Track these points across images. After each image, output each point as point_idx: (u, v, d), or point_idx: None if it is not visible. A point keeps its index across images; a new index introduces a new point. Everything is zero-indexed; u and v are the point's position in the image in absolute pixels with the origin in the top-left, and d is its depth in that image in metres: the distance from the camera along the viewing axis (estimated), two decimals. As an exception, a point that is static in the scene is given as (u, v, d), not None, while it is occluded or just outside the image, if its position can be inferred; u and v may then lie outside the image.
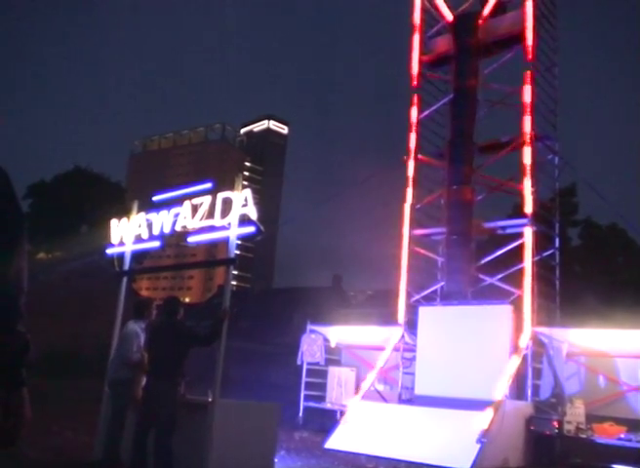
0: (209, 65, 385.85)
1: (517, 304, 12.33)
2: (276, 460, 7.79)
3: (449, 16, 15.46)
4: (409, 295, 14.39)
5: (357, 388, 13.36)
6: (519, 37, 14.11)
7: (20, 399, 1.79)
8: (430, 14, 16.27)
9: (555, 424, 10.60)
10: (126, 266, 8.88)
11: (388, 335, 13.84)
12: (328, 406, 14.53)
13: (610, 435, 10.18)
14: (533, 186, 13.03)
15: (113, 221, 8.94)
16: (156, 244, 8.41)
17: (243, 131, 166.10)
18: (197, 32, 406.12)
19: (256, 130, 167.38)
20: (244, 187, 7.52)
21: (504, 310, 12.12)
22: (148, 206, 8.69)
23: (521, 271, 12.62)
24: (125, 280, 9.00)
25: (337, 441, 11.16)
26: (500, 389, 10.78)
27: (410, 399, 12.89)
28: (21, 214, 1.92)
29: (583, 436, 10.50)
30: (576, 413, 10.65)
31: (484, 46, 14.65)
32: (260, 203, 7.54)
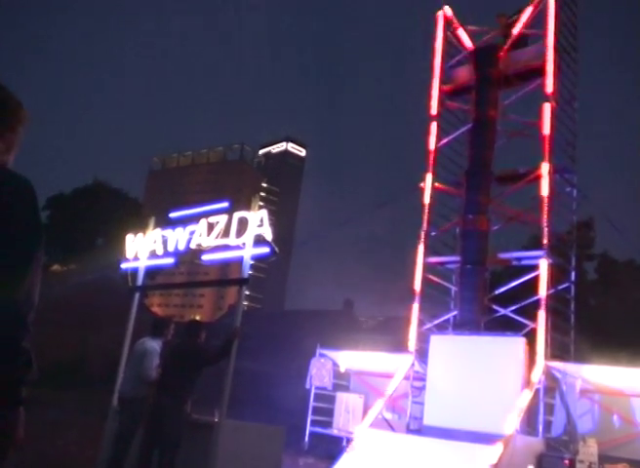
0: (231, 86, 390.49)
1: (530, 337, 12.16)
2: (280, 485, 7.69)
3: (470, 46, 15.56)
4: (421, 323, 14.26)
5: (365, 415, 13.20)
6: (540, 70, 14.14)
7: (15, 418, 1.75)
8: (452, 44, 16.39)
9: (567, 463, 10.36)
10: (139, 282, 8.90)
11: (398, 363, 13.69)
12: (334, 432, 14.36)
13: (623, 477, 9.94)
14: (550, 218, 12.94)
15: (129, 236, 8.99)
16: (170, 260, 8.44)
17: (261, 152, 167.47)
18: (221, 54, 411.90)
19: (274, 151, 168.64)
20: (260, 208, 7.54)
21: (518, 342, 11.95)
22: (164, 222, 8.74)
23: (535, 303, 12.47)
24: (137, 295, 9.02)
25: (342, 468, 10.99)
26: (511, 423, 10.58)
27: (418, 429, 12.69)
28: (40, 229, 1.91)
29: (595, 476, 10.26)
30: (588, 453, 10.41)
31: (504, 77, 14.69)
32: (275, 224, 7.54)
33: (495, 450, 9.73)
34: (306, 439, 14.61)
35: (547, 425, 11.37)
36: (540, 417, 11.34)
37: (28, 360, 1.77)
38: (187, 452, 6.57)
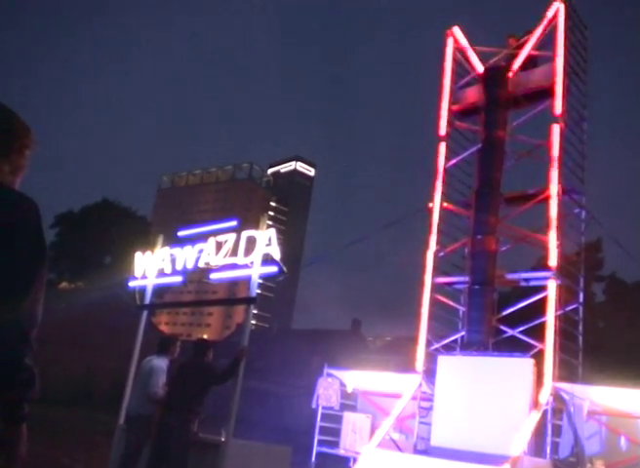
0: (239, 105, 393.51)
1: (538, 358, 12.10)
2: (286, 506, 7.65)
3: (479, 67, 15.68)
4: (428, 344, 14.21)
5: (372, 435, 13.12)
6: (549, 91, 14.22)
7: (18, 435, 1.76)
8: (461, 65, 16.52)
9: (574, 485, 10.27)
10: (147, 300, 8.94)
11: (406, 383, 13.63)
12: (341, 452, 14.25)
13: (631, 500, 9.83)
14: (558, 239, 12.93)
15: (137, 254, 9.06)
16: (178, 279, 8.49)
17: (270, 171, 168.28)
18: (231, 71, 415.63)
19: (282, 170, 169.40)
20: (268, 227, 7.60)
21: (525, 363, 11.89)
22: (173, 241, 8.80)
23: (543, 324, 12.42)
24: (145, 314, 9.06)
25: (348, 489, 10.92)
26: (519, 445, 10.50)
27: (425, 450, 12.60)
28: (44, 248, 1.95)
29: (603, 499, 10.16)
30: (596, 475, 10.32)
31: (513, 98, 14.78)
32: (283, 243, 7.59)
33: (502, 472, 9.66)
34: (313, 459, 14.51)
35: (555, 447, 11.27)
36: (548, 439, 11.25)
37: (31, 377, 1.79)
38: (194, 471, 6.57)
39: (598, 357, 17.36)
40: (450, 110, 15.96)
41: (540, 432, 11.29)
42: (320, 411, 15.19)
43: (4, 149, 2.04)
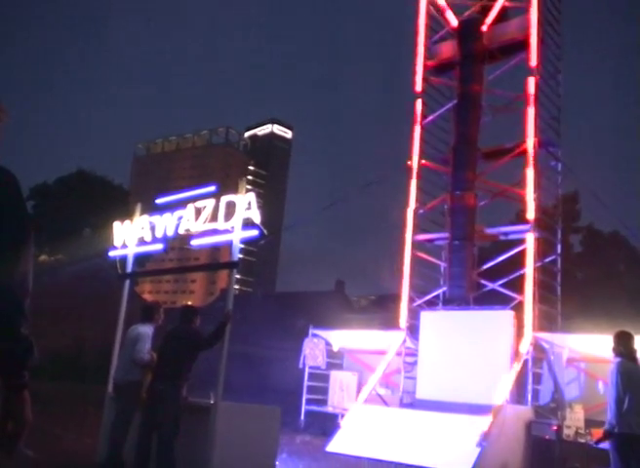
0: (212, 68, 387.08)
1: (518, 310, 12.36)
2: (277, 463, 7.83)
3: (453, 21, 15.52)
4: (411, 300, 14.41)
5: (359, 392, 13.38)
6: (523, 44, 14.17)
7: (22, 401, 1.81)
8: (435, 19, 16.34)
9: (555, 429, 10.62)
10: (129, 269, 8.93)
11: (390, 340, 13.86)
12: (329, 409, 14.55)
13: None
14: (535, 193, 13.06)
15: (116, 224, 8.99)
16: (159, 246, 8.47)
17: (247, 134, 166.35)
18: (201, 35, 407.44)
19: (260, 134, 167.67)
20: (248, 191, 7.56)
21: (506, 316, 12.14)
22: (152, 209, 8.73)
23: (522, 277, 12.64)
24: (127, 283, 9.05)
25: (338, 444, 11.17)
26: (501, 394, 10.80)
27: (411, 403, 12.89)
28: (27, 217, 1.96)
29: (582, 441, 10.51)
30: (575, 418, 10.66)
31: (488, 52, 14.70)
32: (263, 207, 7.58)
33: (486, 420, 9.94)
34: (302, 417, 14.81)
35: (535, 394, 11.61)
36: (529, 387, 11.57)
37: (29, 345, 1.82)
38: (185, 436, 6.67)
39: (576, 306, 17.73)
40: (425, 66, 15.85)
41: (521, 381, 11.61)
42: (307, 371, 15.44)
43: None
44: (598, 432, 10.30)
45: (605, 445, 5.99)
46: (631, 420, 5.63)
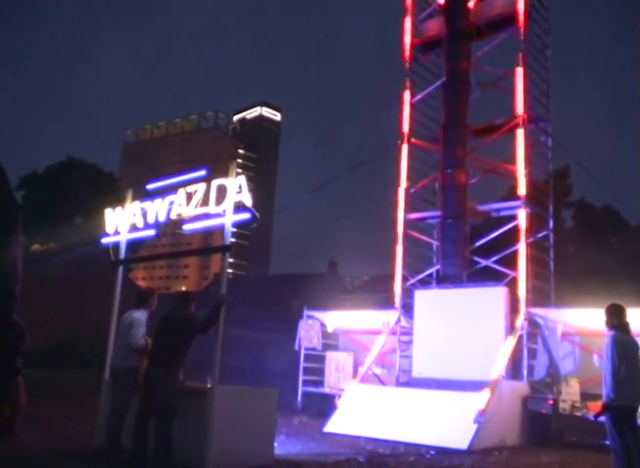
0: (199, 52, 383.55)
1: (512, 286, 12.42)
2: (276, 444, 7.86)
3: (440, -2, 15.39)
4: (405, 279, 14.46)
5: (355, 372, 13.46)
6: (511, 19, 14.09)
7: (16, 386, 1.82)
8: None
9: (550, 403, 10.72)
10: (121, 255, 8.89)
11: (385, 319, 13.91)
12: (326, 390, 14.63)
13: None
14: (526, 168, 13.07)
15: (108, 211, 8.93)
16: (151, 232, 8.42)
17: (236, 118, 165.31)
18: (188, 19, 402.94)
19: (248, 117, 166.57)
20: (238, 174, 7.51)
21: (499, 292, 12.21)
22: (143, 195, 8.67)
23: (515, 253, 12.69)
24: (121, 269, 9.01)
25: (335, 424, 11.26)
26: (496, 370, 10.89)
27: (407, 381, 12.99)
28: (16, 205, 1.94)
29: (578, 414, 10.63)
30: (571, 392, 10.78)
31: (476, 28, 14.61)
32: (254, 190, 7.53)
33: (482, 397, 10.03)
34: (299, 399, 14.88)
35: (530, 369, 11.70)
36: (524, 362, 11.67)
37: (21, 331, 1.83)
38: (183, 420, 6.67)
39: (570, 281, 17.82)
40: (413, 44, 15.74)
41: (516, 356, 11.70)
42: (303, 353, 15.49)
43: None
44: (594, 405, 10.42)
45: (603, 418, 6.04)
46: (626, 392, 5.68)
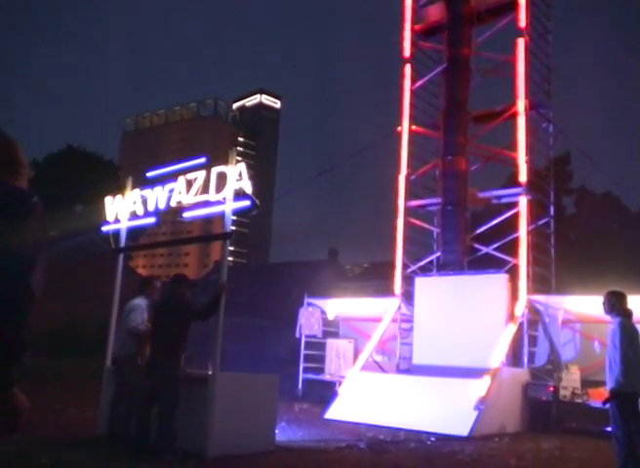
0: (198, 40, 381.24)
1: (513, 273, 12.41)
2: (277, 431, 7.89)
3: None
4: (405, 267, 14.45)
5: (355, 359, 13.48)
6: (512, 4, 13.97)
7: (13, 396, 1.80)
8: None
9: (551, 390, 10.75)
10: (122, 243, 8.87)
11: (385, 307, 13.92)
12: (327, 377, 14.67)
13: (605, 399, 10.32)
14: (527, 155, 13.01)
15: (108, 199, 8.91)
16: (151, 220, 8.40)
17: (235, 106, 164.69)
18: (187, 6, 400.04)
19: (248, 104, 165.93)
20: (238, 162, 7.48)
21: (500, 279, 12.19)
22: (142, 182, 8.64)
23: (516, 240, 12.67)
24: (121, 257, 9.00)
25: (336, 411, 11.30)
26: (497, 357, 10.90)
27: (408, 369, 13.02)
28: (22, 193, 1.95)
29: (579, 401, 10.66)
30: (571, 379, 10.80)
31: (477, 14, 14.50)
32: (254, 177, 7.49)
33: (483, 383, 10.06)
34: (300, 386, 14.93)
35: (531, 356, 11.71)
36: (525, 349, 11.68)
37: (16, 346, 1.82)
38: (185, 406, 6.70)
39: (570, 268, 17.82)
40: (413, 30, 15.63)
41: (516, 343, 11.71)
42: (303, 340, 15.53)
43: (14, 173, 2.11)
44: (596, 392, 10.46)
45: (603, 405, 6.06)
46: (635, 379, 5.69)
